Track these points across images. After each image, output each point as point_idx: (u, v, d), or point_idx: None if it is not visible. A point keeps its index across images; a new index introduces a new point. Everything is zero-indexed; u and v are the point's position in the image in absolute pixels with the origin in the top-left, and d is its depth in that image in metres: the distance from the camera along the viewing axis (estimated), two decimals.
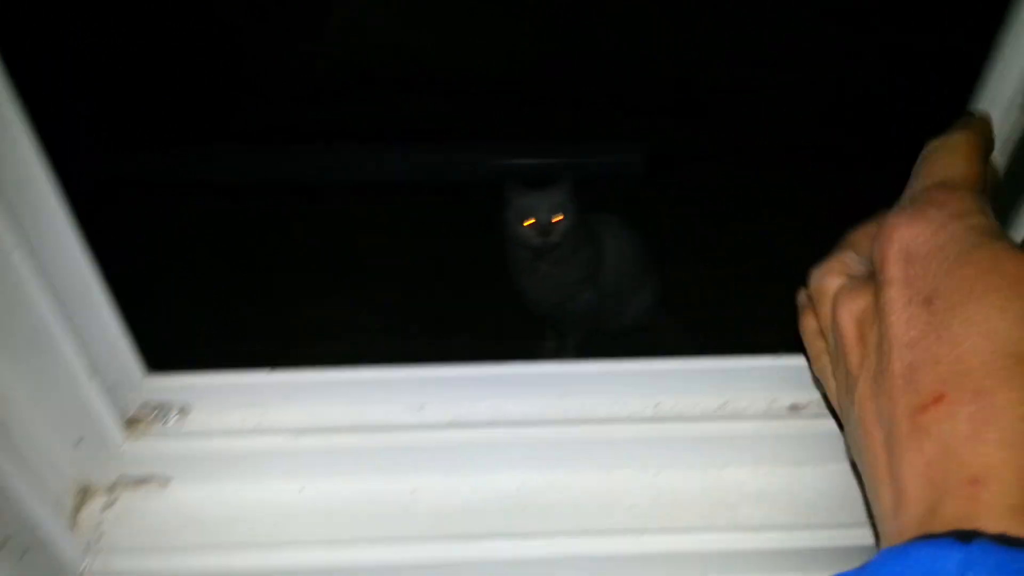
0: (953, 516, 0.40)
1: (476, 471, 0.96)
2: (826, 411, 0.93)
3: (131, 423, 0.94)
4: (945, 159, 0.54)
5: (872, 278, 0.52)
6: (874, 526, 0.51)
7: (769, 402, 0.96)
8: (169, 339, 2.00)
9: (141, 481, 0.93)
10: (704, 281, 2.30)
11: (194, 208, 2.58)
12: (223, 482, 0.95)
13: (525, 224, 1.78)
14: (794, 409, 0.95)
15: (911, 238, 0.47)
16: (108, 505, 0.91)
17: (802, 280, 0.64)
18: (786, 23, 2.76)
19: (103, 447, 0.89)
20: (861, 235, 0.62)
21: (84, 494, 0.91)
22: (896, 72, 2.79)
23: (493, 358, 0.99)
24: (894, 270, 0.48)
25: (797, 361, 0.95)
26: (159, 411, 0.96)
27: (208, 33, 2.74)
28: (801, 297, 0.67)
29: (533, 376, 1.00)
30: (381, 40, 2.83)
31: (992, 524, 0.38)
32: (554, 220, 1.78)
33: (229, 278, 2.34)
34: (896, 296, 0.47)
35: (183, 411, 0.97)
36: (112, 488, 0.92)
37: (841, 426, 0.58)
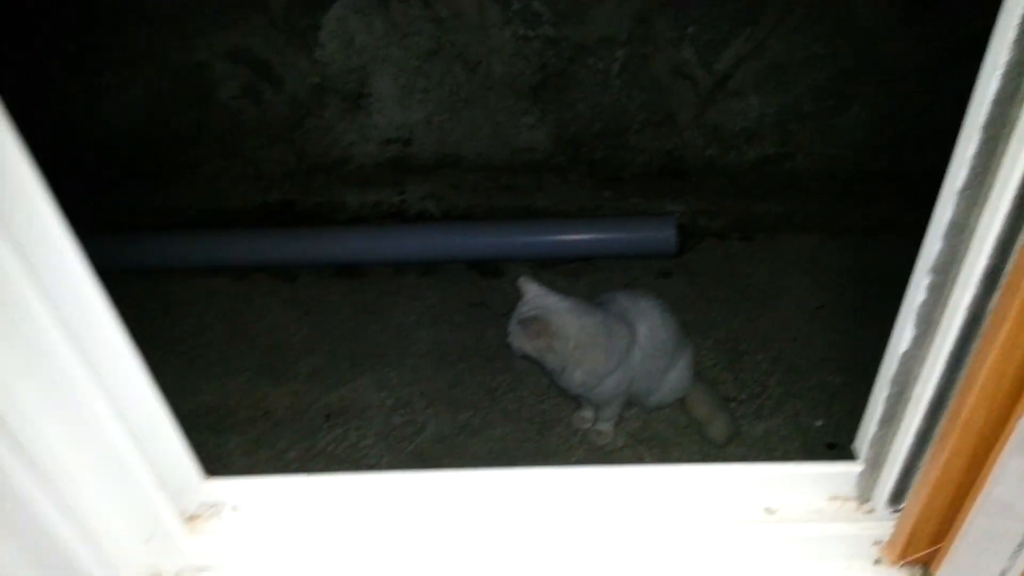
0: None
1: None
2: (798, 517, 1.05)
3: (191, 520, 1.11)
4: None
5: None
6: None
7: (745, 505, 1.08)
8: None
9: (200, 570, 1.09)
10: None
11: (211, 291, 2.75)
12: (270, 573, 1.11)
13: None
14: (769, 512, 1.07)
15: None
16: None
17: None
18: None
19: (169, 542, 1.06)
20: None
21: None
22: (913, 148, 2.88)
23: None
24: None
25: (770, 469, 1.08)
26: (214, 510, 1.12)
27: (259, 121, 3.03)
28: None
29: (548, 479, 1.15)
30: (421, 133, 3.09)
31: None
32: (512, 339, 1.90)
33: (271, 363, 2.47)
34: None
35: (235, 509, 1.13)
36: None
37: None
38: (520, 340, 1.86)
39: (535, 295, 1.88)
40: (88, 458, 0.95)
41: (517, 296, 1.93)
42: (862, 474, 1.03)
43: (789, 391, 2.22)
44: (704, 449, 2.07)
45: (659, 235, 2.73)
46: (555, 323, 1.83)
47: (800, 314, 2.50)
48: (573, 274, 2.73)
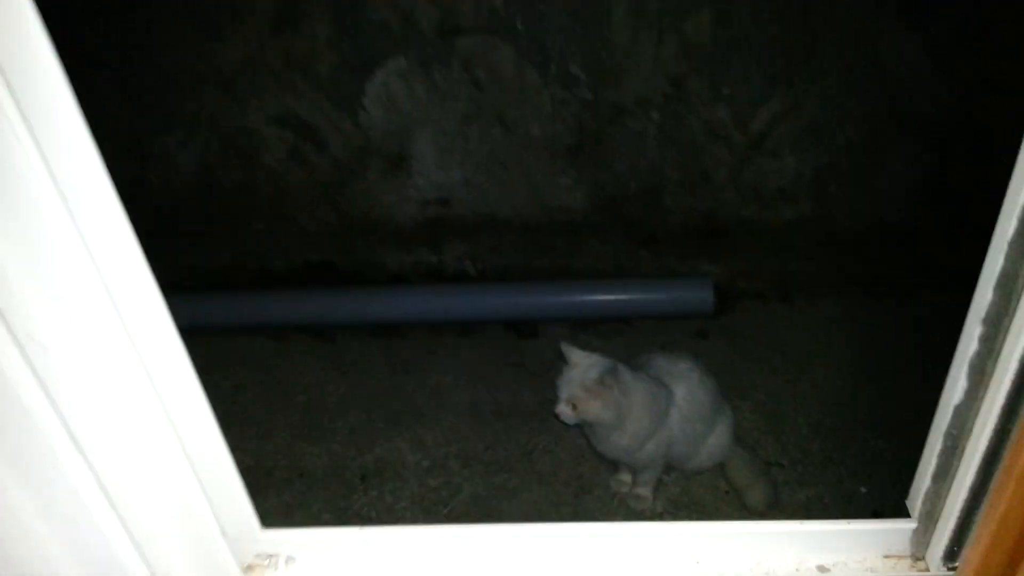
0: None
1: None
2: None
3: (248, 570, 1.12)
4: None
5: None
6: None
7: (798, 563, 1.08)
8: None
9: None
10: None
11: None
12: None
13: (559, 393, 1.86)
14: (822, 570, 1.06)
15: None
16: None
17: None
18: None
19: None
20: None
21: None
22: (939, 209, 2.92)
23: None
24: None
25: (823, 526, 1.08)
26: (271, 560, 1.14)
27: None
28: None
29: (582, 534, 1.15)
30: (460, 194, 3.13)
31: None
32: (571, 406, 1.82)
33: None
34: None
35: (289, 560, 1.15)
36: None
37: None
38: (586, 398, 1.82)
39: (582, 357, 1.87)
40: (161, 502, 0.98)
41: (554, 361, 1.92)
42: (916, 531, 1.03)
43: (831, 456, 2.19)
44: (744, 516, 2.03)
45: (696, 296, 2.74)
46: (625, 378, 1.84)
47: (841, 376, 2.48)
48: (609, 335, 2.75)
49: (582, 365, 1.84)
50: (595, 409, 1.83)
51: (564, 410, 1.83)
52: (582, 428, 1.98)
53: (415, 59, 2.81)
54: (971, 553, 0.94)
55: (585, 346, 1.92)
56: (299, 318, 2.91)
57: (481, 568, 1.13)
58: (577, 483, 2.18)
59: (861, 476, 2.12)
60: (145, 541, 0.93)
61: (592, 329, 2.78)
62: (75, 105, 0.75)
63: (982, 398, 0.89)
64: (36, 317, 0.82)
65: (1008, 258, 0.82)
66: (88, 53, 2.71)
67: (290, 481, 2.24)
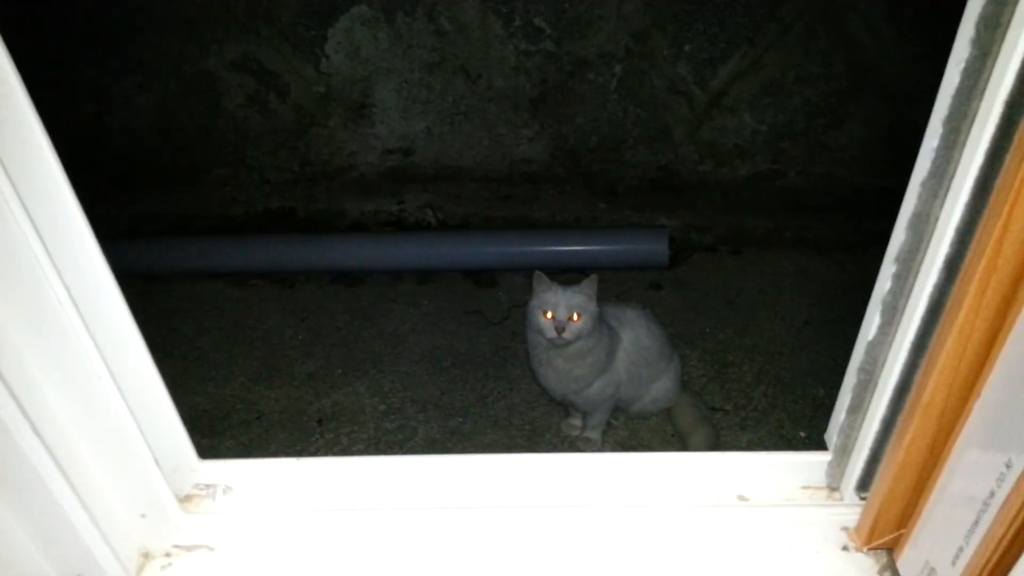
0: None
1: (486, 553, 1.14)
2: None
3: (186, 500, 1.14)
4: None
5: None
6: None
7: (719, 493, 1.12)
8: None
9: (192, 548, 1.13)
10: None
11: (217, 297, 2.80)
12: (259, 551, 1.14)
13: (544, 316, 1.86)
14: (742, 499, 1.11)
15: None
16: (165, 567, 1.11)
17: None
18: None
19: (163, 521, 1.09)
20: None
21: (146, 557, 1.11)
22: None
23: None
24: None
25: (742, 457, 1.12)
26: (208, 491, 1.15)
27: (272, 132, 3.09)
28: None
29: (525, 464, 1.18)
30: (422, 143, 3.17)
31: None
32: (571, 319, 1.84)
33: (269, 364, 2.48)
34: None
35: (227, 490, 1.17)
36: (168, 554, 1.12)
37: None
38: (589, 301, 1.87)
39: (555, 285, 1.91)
40: (91, 432, 0.98)
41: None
42: (831, 463, 1.07)
43: (774, 403, 2.26)
44: None
45: (652, 248, 2.79)
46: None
47: (787, 328, 2.54)
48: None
49: (561, 288, 1.89)
50: (595, 314, 1.88)
51: (570, 325, 1.85)
52: (535, 367, 2.01)
53: (379, 6, 2.80)
54: (880, 482, 0.98)
55: None
56: (260, 264, 2.92)
57: (416, 497, 1.16)
58: (530, 427, 2.22)
59: (802, 422, 2.18)
60: (75, 472, 0.94)
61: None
62: None
63: (894, 334, 0.92)
64: None
65: (920, 198, 0.85)
66: None
67: (248, 424, 2.26)
